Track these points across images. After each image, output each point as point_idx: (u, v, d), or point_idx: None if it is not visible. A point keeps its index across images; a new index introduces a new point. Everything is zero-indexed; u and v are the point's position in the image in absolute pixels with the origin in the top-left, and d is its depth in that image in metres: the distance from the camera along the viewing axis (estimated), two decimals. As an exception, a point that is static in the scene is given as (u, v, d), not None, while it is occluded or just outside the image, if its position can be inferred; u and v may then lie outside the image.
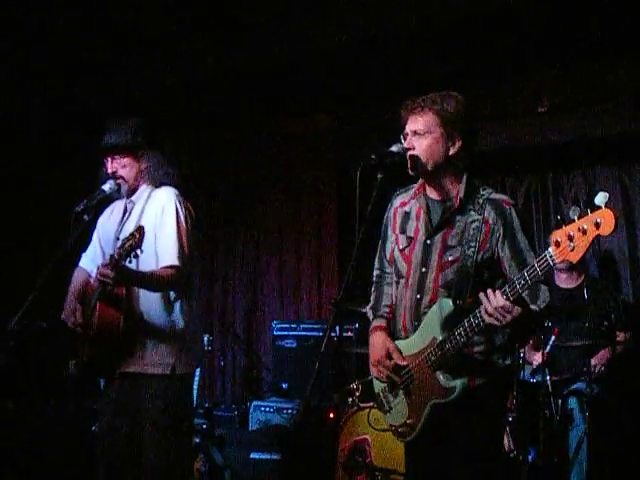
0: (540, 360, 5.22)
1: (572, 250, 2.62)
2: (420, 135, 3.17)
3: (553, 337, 5.42)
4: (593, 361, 5.38)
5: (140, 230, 3.52)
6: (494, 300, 2.82)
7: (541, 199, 6.89)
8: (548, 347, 5.35)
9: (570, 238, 2.61)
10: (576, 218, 2.61)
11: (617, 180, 6.61)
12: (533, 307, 3.03)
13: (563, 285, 5.81)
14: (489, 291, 2.85)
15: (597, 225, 2.55)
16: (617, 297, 5.82)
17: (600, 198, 2.57)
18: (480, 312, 2.90)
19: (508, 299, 2.81)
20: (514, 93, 6.56)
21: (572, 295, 5.68)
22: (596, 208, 2.58)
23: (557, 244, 2.65)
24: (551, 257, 2.69)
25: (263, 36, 6.17)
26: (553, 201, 6.83)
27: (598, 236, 2.57)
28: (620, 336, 5.53)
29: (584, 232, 2.58)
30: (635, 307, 6.33)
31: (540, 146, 6.54)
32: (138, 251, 3.52)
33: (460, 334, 2.98)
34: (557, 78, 6.35)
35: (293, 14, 5.94)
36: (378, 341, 3.30)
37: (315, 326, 6.67)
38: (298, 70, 6.44)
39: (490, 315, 2.84)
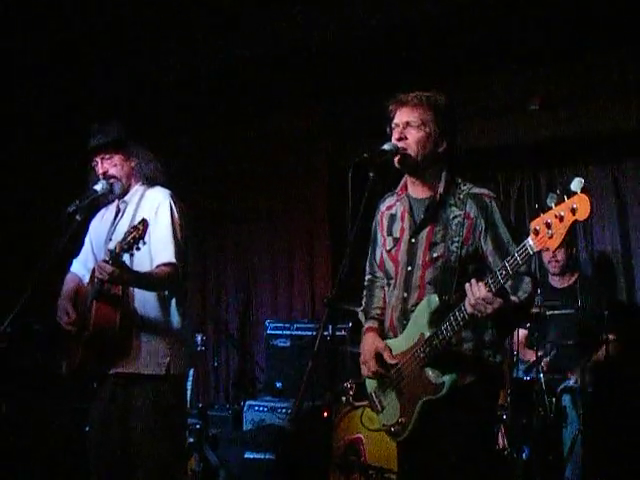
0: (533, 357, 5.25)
1: (550, 237, 2.64)
2: (413, 127, 3.18)
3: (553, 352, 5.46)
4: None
5: (144, 222, 3.52)
6: (476, 291, 2.83)
7: (534, 196, 6.88)
8: (548, 358, 5.39)
9: (548, 225, 2.64)
10: (553, 205, 2.64)
11: (610, 177, 6.60)
12: (513, 298, 3.03)
13: (557, 285, 5.83)
14: (473, 281, 2.86)
15: (573, 211, 2.58)
16: (610, 296, 5.82)
17: (576, 184, 2.59)
18: (464, 305, 2.91)
19: (490, 290, 2.82)
20: (506, 90, 6.55)
21: (565, 294, 5.68)
22: (572, 194, 2.60)
23: (536, 232, 2.68)
24: (530, 246, 2.71)
25: (252, 31, 6.15)
26: (546, 198, 6.80)
27: (575, 221, 2.59)
28: (612, 336, 5.53)
29: (561, 219, 2.61)
30: (628, 306, 6.33)
31: (533, 143, 6.53)
32: (141, 243, 3.51)
33: (446, 329, 2.99)
34: (549, 75, 6.35)
35: (282, 9, 5.92)
36: (368, 341, 3.32)
37: (309, 325, 6.65)
38: (288, 65, 6.43)
39: (472, 306, 2.85)
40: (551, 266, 5.78)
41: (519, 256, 2.75)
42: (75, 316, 3.88)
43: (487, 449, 3.27)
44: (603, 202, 6.60)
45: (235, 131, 7.65)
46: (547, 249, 2.70)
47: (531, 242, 2.70)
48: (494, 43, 5.88)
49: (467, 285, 2.88)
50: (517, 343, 5.31)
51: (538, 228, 2.67)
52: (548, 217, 2.64)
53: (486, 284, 2.82)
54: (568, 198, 2.60)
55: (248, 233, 7.74)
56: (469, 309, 2.88)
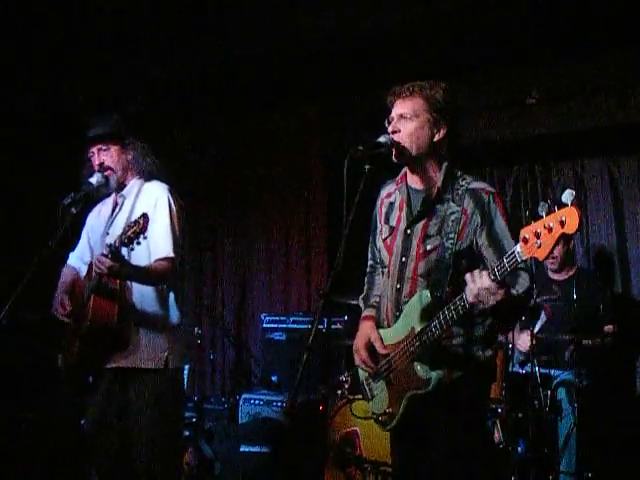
0: (527, 343, 5.24)
1: (539, 247, 2.63)
2: (406, 119, 3.17)
3: (543, 313, 5.45)
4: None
5: (144, 217, 3.53)
6: (479, 281, 2.80)
7: (529, 190, 6.89)
8: (538, 326, 5.38)
9: (537, 235, 2.62)
10: (544, 214, 2.62)
11: (606, 171, 6.62)
12: (513, 291, 3.00)
13: (554, 277, 5.83)
14: (475, 272, 2.83)
15: (562, 223, 2.56)
16: (606, 289, 5.82)
17: (566, 196, 2.58)
18: (455, 304, 2.90)
19: (494, 280, 2.78)
20: (503, 85, 6.55)
21: (561, 287, 5.69)
22: (562, 206, 2.58)
23: (525, 241, 2.67)
24: (519, 253, 2.70)
25: (252, 31, 6.14)
26: (541, 192, 6.83)
27: (563, 234, 2.57)
28: (608, 328, 5.54)
29: (550, 230, 2.59)
30: (624, 299, 6.34)
31: (529, 137, 6.53)
32: (141, 238, 3.52)
33: (436, 326, 2.98)
34: (546, 70, 6.35)
35: (282, 9, 5.91)
36: (363, 329, 3.33)
37: (304, 319, 6.64)
38: (288, 65, 6.42)
39: (475, 296, 2.82)
40: (549, 262, 5.78)
41: (507, 263, 2.74)
42: (71, 308, 3.89)
43: (477, 444, 3.25)
44: (599, 196, 6.61)
45: (234, 129, 7.65)
46: (536, 258, 2.68)
47: (519, 250, 2.69)
48: (490, 40, 5.87)
49: (468, 275, 2.84)
50: (512, 335, 5.30)
51: (527, 236, 2.66)
52: (538, 227, 2.62)
53: (489, 274, 2.79)
54: (558, 209, 2.59)
55: (244, 226, 7.75)
56: (471, 299, 2.84)
